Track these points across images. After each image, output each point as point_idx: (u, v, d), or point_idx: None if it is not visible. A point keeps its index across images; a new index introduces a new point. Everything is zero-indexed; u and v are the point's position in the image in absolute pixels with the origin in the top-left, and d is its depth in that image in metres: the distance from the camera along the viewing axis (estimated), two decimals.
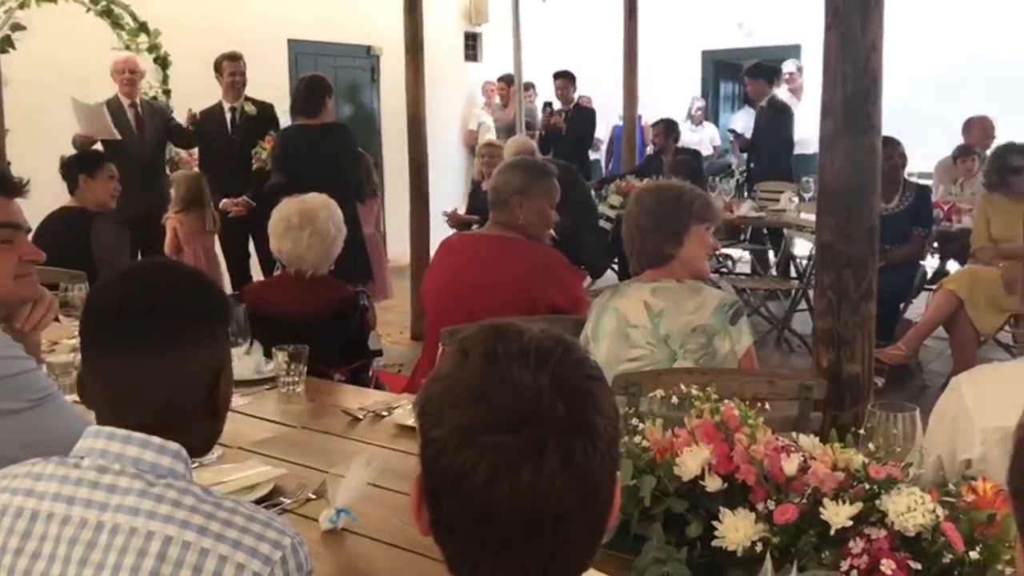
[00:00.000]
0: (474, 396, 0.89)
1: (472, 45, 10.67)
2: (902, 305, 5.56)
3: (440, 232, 5.80)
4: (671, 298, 2.48)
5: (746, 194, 7.69)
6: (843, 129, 2.34)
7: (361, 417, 2.39)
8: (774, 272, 7.47)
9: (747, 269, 7.92)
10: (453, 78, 9.98)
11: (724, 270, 7.83)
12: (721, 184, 7.34)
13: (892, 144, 5.37)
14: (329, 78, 5.68)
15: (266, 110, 5.99)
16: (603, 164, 10.77)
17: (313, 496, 1.89)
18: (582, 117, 8.37)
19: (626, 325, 2.51)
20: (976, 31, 8.86)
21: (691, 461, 1.54)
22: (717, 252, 7.85)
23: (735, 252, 8.06)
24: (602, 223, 6.70)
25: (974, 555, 1.32)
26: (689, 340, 2.44)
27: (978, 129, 6.95)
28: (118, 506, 1.10)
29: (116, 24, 6.57)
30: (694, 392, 1.68)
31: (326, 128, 5.25)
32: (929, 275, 5.97)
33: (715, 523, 1.48)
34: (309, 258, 3.01)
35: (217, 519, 1.10)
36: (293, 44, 8.58)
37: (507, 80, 9.43)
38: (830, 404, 2.36)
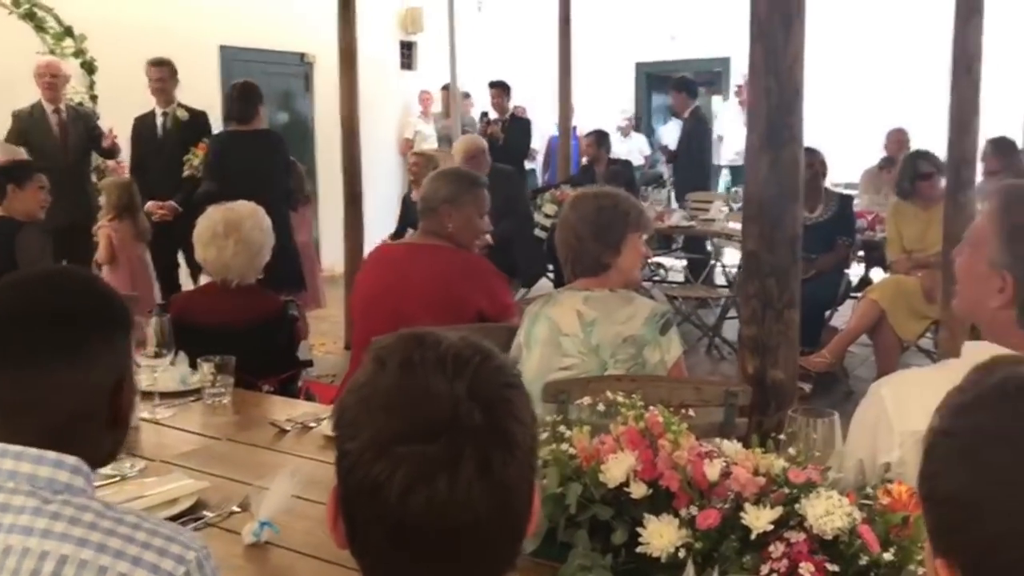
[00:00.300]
0: (390, 406, 0.89)
1: (407, 54, 10.64)
2: (828, 313, 5.68)
3: (374, 241, 5.77)
4: (603, 308, 2.48)
5: (674, 204, 7.82)
6: (767, 140, 2.39)
7: (288, 429, 2.35)
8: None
9: (679, 278, 8.03)
10: (388, 87, 9.94)
11: (657, 278, 7.94)
12: (653, 194, 7.44)
13: (811, 154, 5.51)
14: (262, 85, 5.61)
15: (198, 117, 5.90)
16: (539, 174, 10.84)
17: (237, 509, 1.85)
18: (518, 127, 8.41)
19: (558, 334, 2.51)
20: (902, 43, 9.11)
21: (616, 468, 1.55)
22: (650, 261, 7.99)
23: (667, 261, 8.18)
24: (537, 232, 6.74)
25: (888, 556, 1.35)
26: (620, 350, 2.44)
27: (893, 141, 7.16)
28: (11, 526, 1.06)
29: (40, 28, 6.41)
30: (620, 399, 1.69)
31: (258, 135, 5.20)
32: (854, 283, 6.11)
33: (640, 529, 1.49)
34: (235, 267, 2.96)
35: (117, 535, 1.06)
36: (224, 50, 8.46)
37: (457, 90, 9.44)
38: (755, 410, 2.40)
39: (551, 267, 7.10)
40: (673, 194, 8.34)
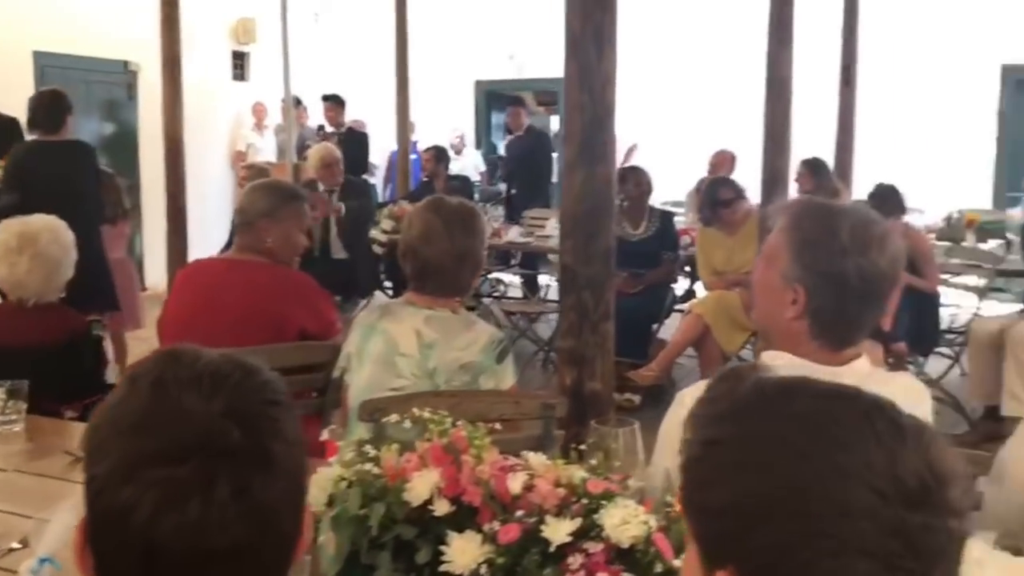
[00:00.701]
0: (139, 427, 0.83)
1: (240, 65, 10.34)
2: (655, 326, 5.86)
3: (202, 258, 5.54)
4: (444, 331, 2.41)
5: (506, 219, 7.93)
6: (581, 156, 2.42)
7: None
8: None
9: (518, 293, 8.12)
10: (220, 98, 9.64)
11: (496, 294, 8.00)
12: (492, 210, 7.51)
13: (638, 173, 5.70)
14: (82, 93, 5.33)
15: (7, 124, 5.51)
16: (380, 189, 10.74)
17: (17, 545, 1.72)
18: (353, 141, 8.31)
19: (395, 352, 2.42)
20: (726, 65, 9.55)
21: (420, 485, 1.52)
22: (490, 276, 8.08)
23: (506, 277, 8.26)
24: (375, 248, 6.67)
25: (678, 563, 1.38)
26: (455, 376, 2.38)
27: (713, 164, 7.46)
28: None
29: None
30: (426, 415, 1.66)
31: (66, 145, 4.91)
32: (680, 296, 6.33)
33: (443, 547, 1.46)
34: (31, 284, 2.76)
35: None
36: (40, 56, 7.95)
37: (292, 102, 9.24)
38: (573, 422, 2.42)
39: (388, 284, 7.06)
40: (505, 210, 8.43)
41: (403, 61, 8.01)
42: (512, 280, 8.30)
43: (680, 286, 6.49)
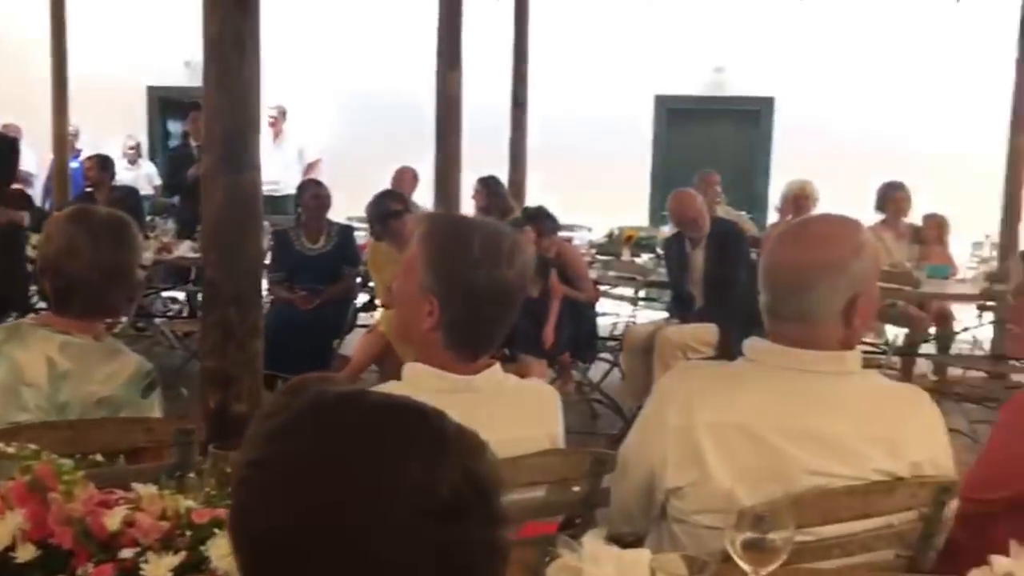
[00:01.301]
0: None
1: None
2: (336, 341, 5.79)
3: None
4: (83, 360, 2.17)
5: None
6: (222, 164, 2.31)
7: None
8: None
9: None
10: None
11: (170, 313, 7.58)
12: (162, 224, 7.09)
13: (316, 185, 5.63)
14: None
15: None
16: (40, 200, 9.77)
17: None
18: (1, 147, 7.48)
19: (20, 382, 2.13)
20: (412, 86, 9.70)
21: (1, 530, 1.34)
22: (163, 295, 7.61)
23: (182, 295, 7.82)
24: (29, 267, 6.06)
25: None
26: (90, 413, 2.14)
27: (397, 180, 7.49)
28: None
29: None
30: (10, 451, 1.47)
31: None
32: (360, 309, 6.30)
33: None
34: None
35: None
36: None
37: None
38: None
39: (43, 305, 6.42)
40: (176, 224, 7.98)
41: (61, 61, 7.38)
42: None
43: (361, 300, 6.46)
